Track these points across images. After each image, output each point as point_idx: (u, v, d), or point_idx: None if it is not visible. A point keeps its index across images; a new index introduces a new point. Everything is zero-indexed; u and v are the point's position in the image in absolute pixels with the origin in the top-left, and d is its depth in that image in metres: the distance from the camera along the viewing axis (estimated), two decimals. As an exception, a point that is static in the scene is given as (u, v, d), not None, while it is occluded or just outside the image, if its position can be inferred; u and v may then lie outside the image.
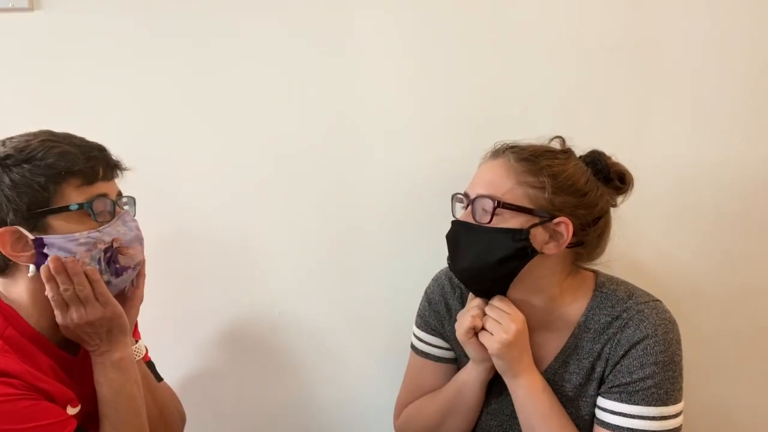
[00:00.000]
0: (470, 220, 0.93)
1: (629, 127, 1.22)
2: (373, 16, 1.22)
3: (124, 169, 0.94)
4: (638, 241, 1.24)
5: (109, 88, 1.24)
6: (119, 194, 0.95)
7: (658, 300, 0.96)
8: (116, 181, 0.94)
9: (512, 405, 0.98)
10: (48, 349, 0.89)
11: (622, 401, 0.91)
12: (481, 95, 1.23)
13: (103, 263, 0.89)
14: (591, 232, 0.94)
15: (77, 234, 0.87)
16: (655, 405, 0.89)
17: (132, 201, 0.96)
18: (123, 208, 0.94)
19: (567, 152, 0.97)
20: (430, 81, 1.23)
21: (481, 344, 0.95)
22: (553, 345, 0.98)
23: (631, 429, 0.89)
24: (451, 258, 0.98)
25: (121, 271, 0.92)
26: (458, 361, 1.09)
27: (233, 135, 1.26)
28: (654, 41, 1.20)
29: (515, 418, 0.98)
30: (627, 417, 0.90)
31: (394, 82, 1.23)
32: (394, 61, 1.23)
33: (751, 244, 1.24)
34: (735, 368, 1.28)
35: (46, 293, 0.86)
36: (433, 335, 1.10)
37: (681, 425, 0.91)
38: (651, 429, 0.89)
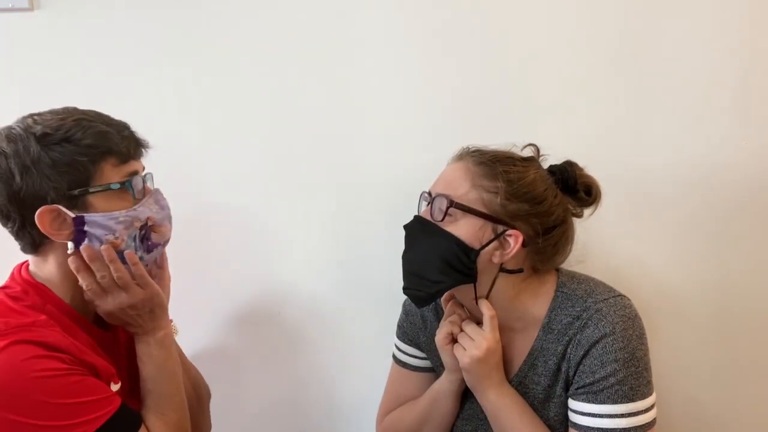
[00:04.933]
0: (428, 217, 0.95)
1: (628, 128, 1.23)
2: (375, 16, 1.22)
3: (149, 147, 0.95)
4: (638, 239, 1.26)
5: (110, 88, 1.24)
6: (144, 170, 0.96)
7: (620, 295, 0.95)
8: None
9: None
10: (84, 324, 0.90)
11: (589, 401, 0.91)
12: (481, 95, 1.23)
13: (137, 240, 0.91)
14: (547, 240, 0.94)
15: (116, 213, 0.87)
16: (621, 402, 0.89)
17: (151, 177, 0.97)
18: (152, 186, 0.96)
19: (529, 160, 0.97)
20: (430, 80, 1.24)
21: (454, 355, 0.98)
22: (521, 345, 0.99)
23: (602, 429, 0.89)
24: (405, 250, 0.99)
25: (152, 248, 0.94)
26: (436, 371, 1.11)
27: (233, 134, 1.27)
28: (653, 41, 1.20)
29: (489, 422, 1.00)
30: (596, 417, 0.90)
31: (397, 74, 1.24)
32: (396, 55, 1.24)
33: (749, 244, 1.25)
34: (715, 370, 1.29)
35: (80, 284, 0.87)
36: (410, 345, 1.13)
37: (654, 419, 0.91)
38: (621, 426, 0.88)
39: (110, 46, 1.24)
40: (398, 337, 1.15)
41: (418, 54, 1.23)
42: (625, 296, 0.96)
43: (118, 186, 0.87)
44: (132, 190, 0.89)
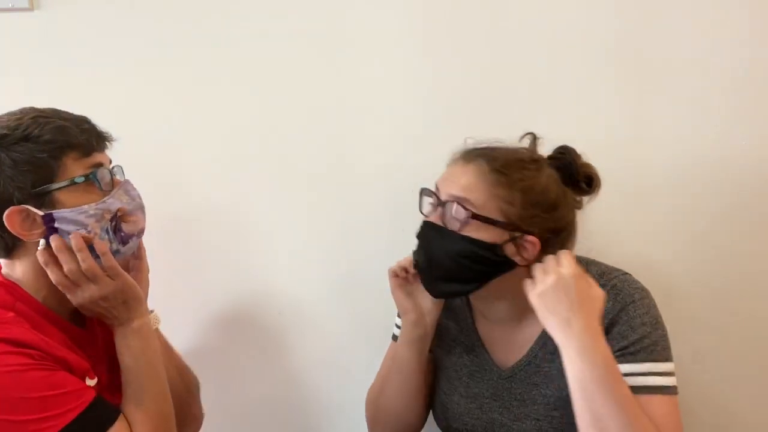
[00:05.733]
0: (439, 222, 0.93)
1: (629, 127, 1.23)
2: (375, 14, 1.22)
3: (113, 140, 0.94)
4: (638, 238, 1.25)
5: (110, 88, 1.24)
6: (110, 163, 0.95)
7: (627, 273, 0.98)
8: (106, 152, 0.94)
9: (492, 388, 1.00)
10: (57, 322, 0.89)
11: (627, 362, 0.90)
12: (481, 95, 1.23)
13: (111, 233, 0.90)
14: (556, 241, 0.94)
15: (85, 206, 0.87)
16: (660, 360, 0.90)
17: (120, 169, 0.96)
18: (122, 177, 0.95)
19: (537, 161, 0.96)
20: (430, 79, 1.24)
21: (406, 295, 1.01)
22: (530, 331, 0.98)
23: (649, 387, 0.89)
24: (422, 255, 0.97)
25: (126, 239, 0.93)
26: (432, 351, 1.09)
27: (233, 132, 1.27)
28: (654, 41, 1.20)
29: (496, 400, 0.99)
30: (638, 376, 0.89)
31: (396, 73, 1.24)
32: (394, 52, 1.23)
33: (750, 242, 1.25)
34: (726, 367, 1.28)
35: (51, 277, 0.86)
36: None
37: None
38: (666, 384, 0.89)
39: (110, 46, 1.24)
40: (399, 315, 1.11)
41: (416, 50, 1.23)
42: (631, 274, 0.98)
43: (82, 179, 0.87)
44: (98, 182, 0.89)
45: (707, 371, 1.27)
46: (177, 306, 1.30)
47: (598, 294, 0.88)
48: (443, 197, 0.93)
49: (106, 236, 0.89)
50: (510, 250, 0.92)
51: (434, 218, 0.94)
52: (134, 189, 0.96)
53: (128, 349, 0.91)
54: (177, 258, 1.25)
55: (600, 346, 0.84)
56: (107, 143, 0.93)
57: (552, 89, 1.22)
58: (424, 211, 0.98)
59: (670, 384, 0.90)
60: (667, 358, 0.91)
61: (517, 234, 0.91)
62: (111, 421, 0.84)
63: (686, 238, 1.25)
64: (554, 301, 0.85)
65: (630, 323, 0.91)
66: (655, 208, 1.25)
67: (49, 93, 1.24)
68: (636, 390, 0.87)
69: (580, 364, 0.83)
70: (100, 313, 0.90)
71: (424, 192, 0.98)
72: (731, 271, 1.25)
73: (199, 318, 1.33)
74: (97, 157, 0.90)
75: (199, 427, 1.12)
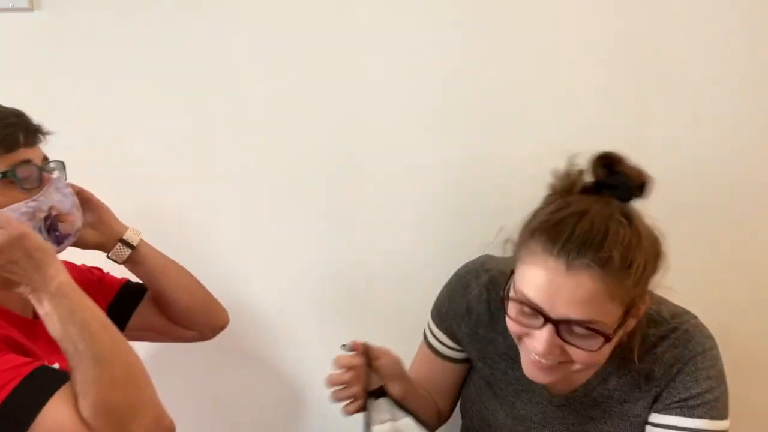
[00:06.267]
0: (558, 345, 0.81)
1: (630, 128, 1.23)
2: (380, 13, 1.22)
3: (47, 133, 0.91)
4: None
5: (110, 88, 1.24)
6: (45, 159, 0.91)
7: (696, 317, 0.94)
8: (41, 146, 0.92)
9: (541, 413, 0.97)
10: (7, 316, 0.86)
11: (684, 416, 0.89)
12: (482, 95, 1.23)
13: (44, 232, 0.88)
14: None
15: (15, 205, 0.84)
16: (717, 418, 0.89)
17: (61, 166, 0.92)
18: (52, 174, 0.92)
19: (629, 219, 0.82)
20: (430, 79, 1.23)
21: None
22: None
23: None
24: None
25: (62, 239, 0.91)
26: (473, 364, 1.05)
27: (234, 134, 1.26)
28: (655, 41, 1.20)
29: (545, 426, 0.97)
30: (690, 431, 0.89)
31: (394, 77, 1.24)
32: (392, 56, 1.23)
33: (752, 244, 1.25)
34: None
35: None
36: (443, 332, 1.05)
37: None
38: None
39: (110, 46, 1.23)
40: (433, 318, 1.06)
41: (419, 49, 1.23)
42: (698, 318, 0.94)
43: (0, 176, 0.84)
44: (18, 180, 0.85)
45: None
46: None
47: None
48: (555, 316, 0.79)
49: (40, 236, 0.84)
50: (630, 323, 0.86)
51: (553, 346, 0.81)
52: (66, 186, 0.93)
53: (52, 317, 0.78)
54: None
55: None
56: (41, 138, 0.90)
57: (552, 89, 1.22)
58: (529, 325, 0.83)
59: None
60: (724, 416, 0.90)
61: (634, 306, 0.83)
62: (53, 391, 0.76)
63: (688, 238, 1.25)
64: None
65: (695, 375, 0.89)
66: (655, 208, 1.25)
67: (49, 93, 1.25)
68: None
69: None
70: (8, 279, 0.79)
71: (526, 306, 0.82)
72: (730, 272, 1.26)
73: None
74: (22, 154, 0.86)
75: (227, 318, 1.16)
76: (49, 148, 1.21)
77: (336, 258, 1.30)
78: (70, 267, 1.03)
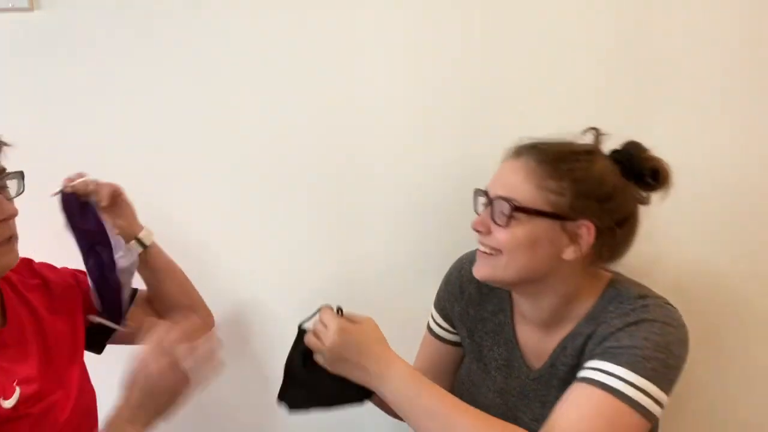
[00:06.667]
0: (489, 219, 0.93)
1: (630, 128, 1.22)
2: (377, 13, 1.22)
3: (4, 144, 0.89)
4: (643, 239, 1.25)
5: (109, 88, 1.25)
6: (3, 171, 0.88)
7: (672, 306, 0.92)
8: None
9: (520, 386, 1.00)
10: None
11: (604, 360, 0.86)
12: (482, 95, 1.23)
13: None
14: (616, 236, 0.92)
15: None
16: (637, 373, 0.83)
17: (19, 176, 0.89)
18: (19, 187, 0.89)
19: (592, 152, 0.94)
20: (430, 79, 1.24)
21: None
22: (558, 335, 0.97)
23: (604, 384, 0.83)
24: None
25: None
26: (463, 346, 1.11)
27: (234, 133, 1.27)
28: (655, 41, 1.20)
29: (521, 399, 0.99)
30: (604, 373, 0.84)
31: (394, 77, 1.24)
32: (392, 56, 1.23)
33: (752, 243, 1.24)
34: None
35: None
36: (441, 316, 1.13)
37: (657, 420, 0.85)
38: (627, 393, 0.82)
39: (110, 46, 1.24)
40: (434, 305, 1.15)
41: (421, 51, 1.23)
42: (677, 309, 0.92)
43: None
44: None
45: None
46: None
47: (362, 329, 0.90)
48: (492, 196, 0.93)
49: None
50: (562, 241, 0.90)
51: (484, 215, 0.94)
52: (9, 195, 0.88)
53: None
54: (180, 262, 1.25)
55: (399, 375, 0.88)
56: None
57: (553, 89, 1.22)
58: (478, 211, 0.98)
59: (634, 396, 0.82)
60: (656, 382, 0.83)
61: (569, 224, 0.89)
62: None
63: (689, 238, 1.25)
64: (344, 370, 0.89)
65: (633, 334, 0.86)
66: (655, 208, 1.24)
67: (49, 93, 1.25)
68: (586, 380, 0.85)
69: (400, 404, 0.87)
70: None
71: (477, 193, 0.98)
72: (740, 270, 1.25)
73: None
74: None
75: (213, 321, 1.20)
76: (49, 148, 1.22)
77: (336, 258, 1.31)
78: (50, 269, 1.04)
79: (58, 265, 1.07)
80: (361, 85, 1.24)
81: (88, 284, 1.05)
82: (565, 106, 1.22)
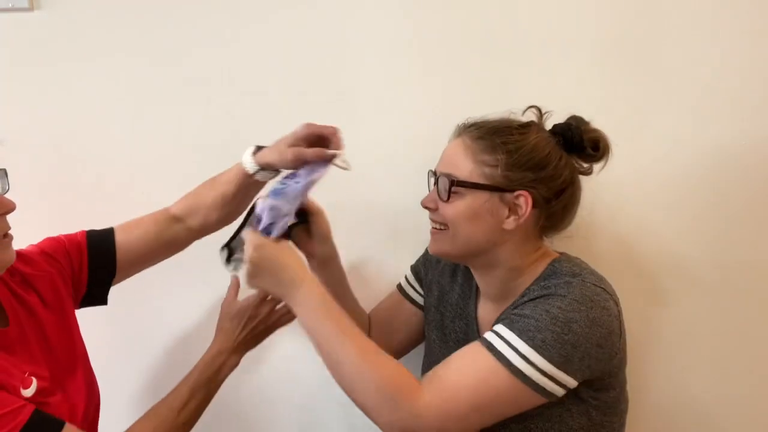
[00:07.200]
0: (435, 196, 0.99)
1: (630, 125, 1.23)
2: (376, 14, 1.23)
3: None
4: (638, 234, 1.25)
5: (109, 88, 1.25)
6: None
7: (603, 288, 0.91)
8: None
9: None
10: None
11: (503, 325, 0.89)
12: (482, 95, 1.24)
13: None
14: (555, 204, 0.95)
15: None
16: (525, 341, 0.84)
17: (3, 173, 0.89)
18: (7, 186, 0.88)
19: (527, 126, 0.98)
20: (429, 79, 1.25)
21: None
22: (502, 311, 0.99)
23: (492, 346, 0.86)
24: None
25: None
26: (424, 312, 1.17)
27: (234, 133, 1.27)
28: (655, 39, 1.20)
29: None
30: (497, 336, 0.87)
31: (394, 77, 1.25)
32: (392, 57, 1.24)
33: (750, 240, 1.25)
34: (729, 363, 1.29)
35: None
36: (414, 276, 1.21)
37: (546, 393, 0.85)
38: (508, 357, 0.84)
39: (110, 46, 1.24)
40: (411, 268, 1.22)
41: (418, 50, 1.24)
42: (612, 296, 0.92)
43: None
44: None
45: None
46: (183, 307, 1.31)
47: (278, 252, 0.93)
48: (438, 174, 0.99)
49: None
50: (502, 212, 0.94)
51: (431, 193, 1.00)
52: None
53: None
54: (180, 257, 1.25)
55: (309, 293, 0.90)
56: None
57: (551, 89, 1.22)
58: (429, 190, 1.03)
59: (516, 364, 0.84)
60: (538, 349, 0.83)
61: (507, 195, 0.93)
62: None
63: (687, 234, 1.25)
64: (262, 283, 0.94)
65: (536, 306, 0.88)
66: (655, 205, 1.25)
67: (49, 93, 1.25)
68: (480, 339, 0.88)
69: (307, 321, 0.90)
70: None
71: (429, 173, 1.03)
72: (729, 265, 1.26)
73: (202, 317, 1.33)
74: None
75: None
76: (47, 148, 1.22)
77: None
78: (23, 262, 0.97)
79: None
80: (361, 85, 1.25)
81: (62, 253, 1.01)
82: (565, 107, 1.22)
